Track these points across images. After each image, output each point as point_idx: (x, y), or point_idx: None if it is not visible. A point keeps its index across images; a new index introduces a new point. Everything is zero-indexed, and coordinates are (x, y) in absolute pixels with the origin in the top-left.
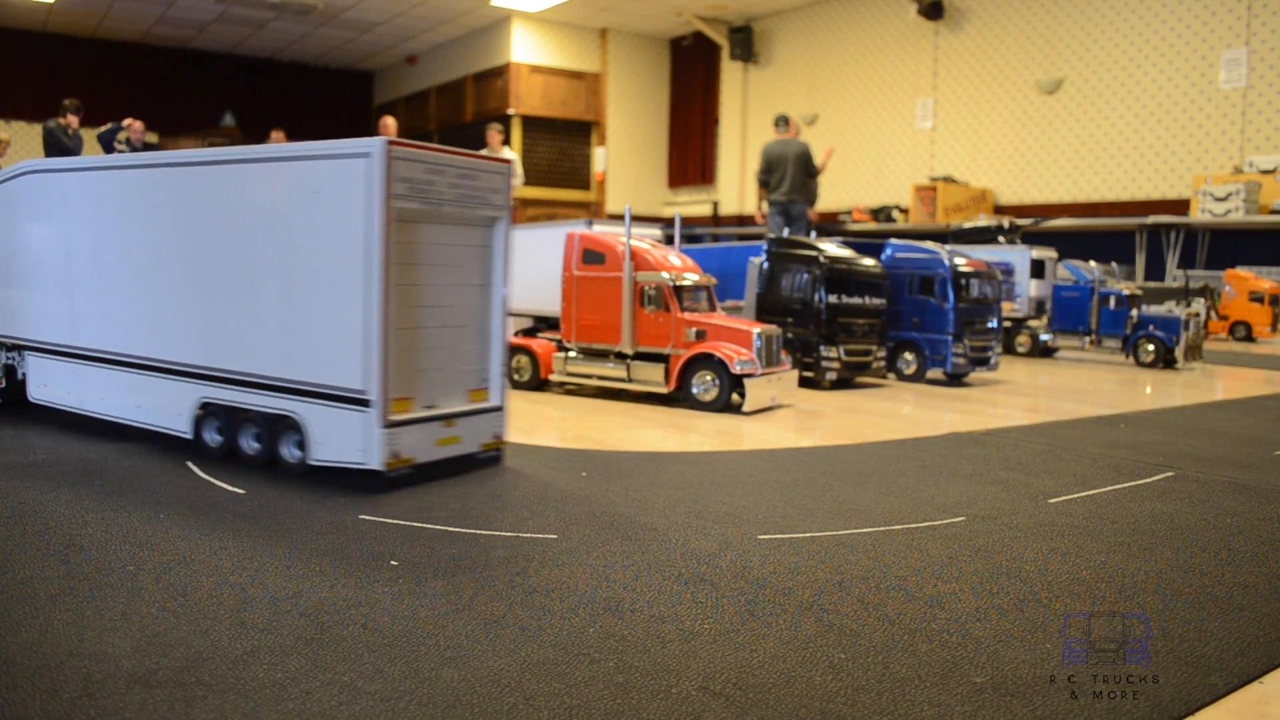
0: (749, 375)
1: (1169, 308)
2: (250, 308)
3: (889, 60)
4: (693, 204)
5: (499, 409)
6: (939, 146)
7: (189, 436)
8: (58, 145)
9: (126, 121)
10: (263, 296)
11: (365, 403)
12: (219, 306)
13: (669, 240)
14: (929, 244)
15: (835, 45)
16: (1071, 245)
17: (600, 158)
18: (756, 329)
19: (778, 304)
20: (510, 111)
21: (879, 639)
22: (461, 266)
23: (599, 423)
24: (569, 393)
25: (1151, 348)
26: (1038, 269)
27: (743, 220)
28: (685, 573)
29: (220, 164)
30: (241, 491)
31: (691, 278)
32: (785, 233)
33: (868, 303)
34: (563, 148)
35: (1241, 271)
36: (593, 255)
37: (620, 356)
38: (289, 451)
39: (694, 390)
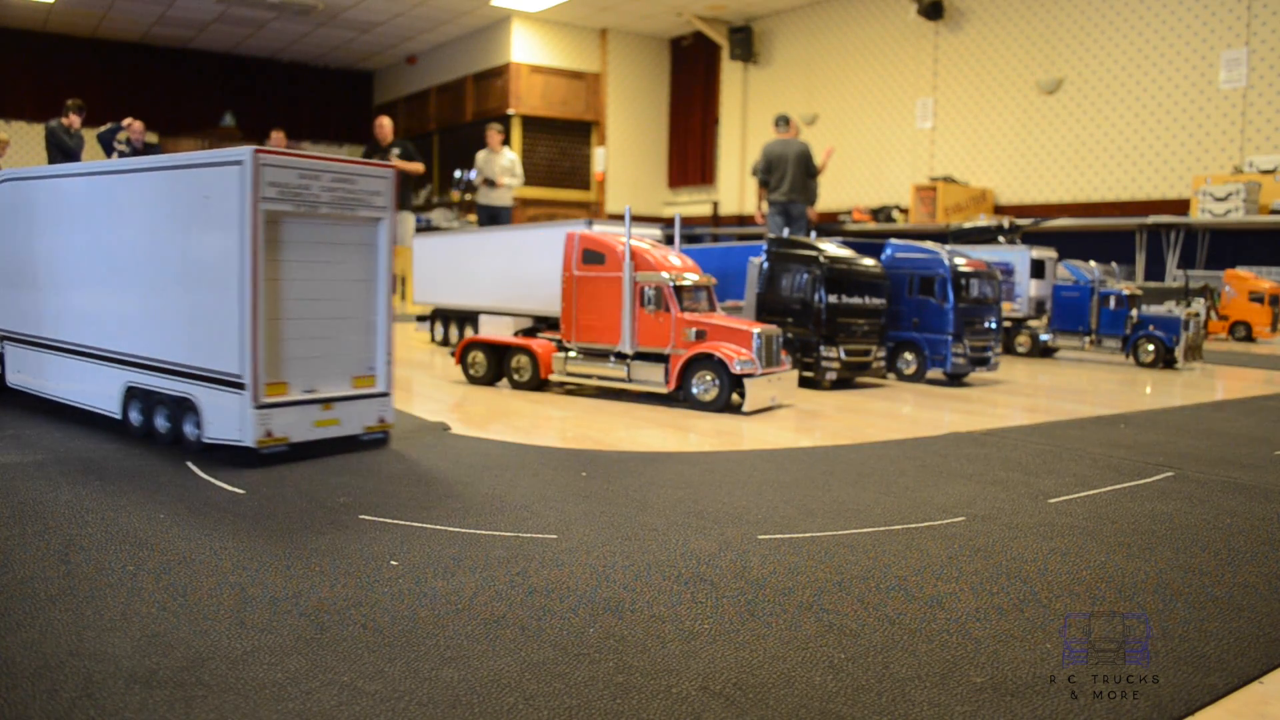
0: (749, 375)
1: (1169, 308)
2: (162, 301)
3: (889, 60)
4: (693, 204)
5: (385, 395)
6: (939, 146)
7: (119, 417)
8: (59, 145)
9: (126, 121)
10: (170, 290)
11: (241, 385)
12: (138, 300)
13: (669, 240)
14: (929, 244)
15: (835, 45)
16: (1071, 245)
17: (600, 158)
18: (756, 329)
19: (778, 304)
20: (510, 111)
21: (879, 639)
22: (343, 263)
23: (599, 423)
24: (569, 393)
25: (1151, 348)
26: (1038, 269)
27: (743, 220)
28: (685, 573)
29: (135, 172)
30: (241, 491)
31: (691, 278)
32: (785, 233)
33: (868, 303)
34: (563, 148)
35: (1241, 271)
36: (592, 255)
37: (620, 356)
38: (190, 430)
39: (694, 390)
